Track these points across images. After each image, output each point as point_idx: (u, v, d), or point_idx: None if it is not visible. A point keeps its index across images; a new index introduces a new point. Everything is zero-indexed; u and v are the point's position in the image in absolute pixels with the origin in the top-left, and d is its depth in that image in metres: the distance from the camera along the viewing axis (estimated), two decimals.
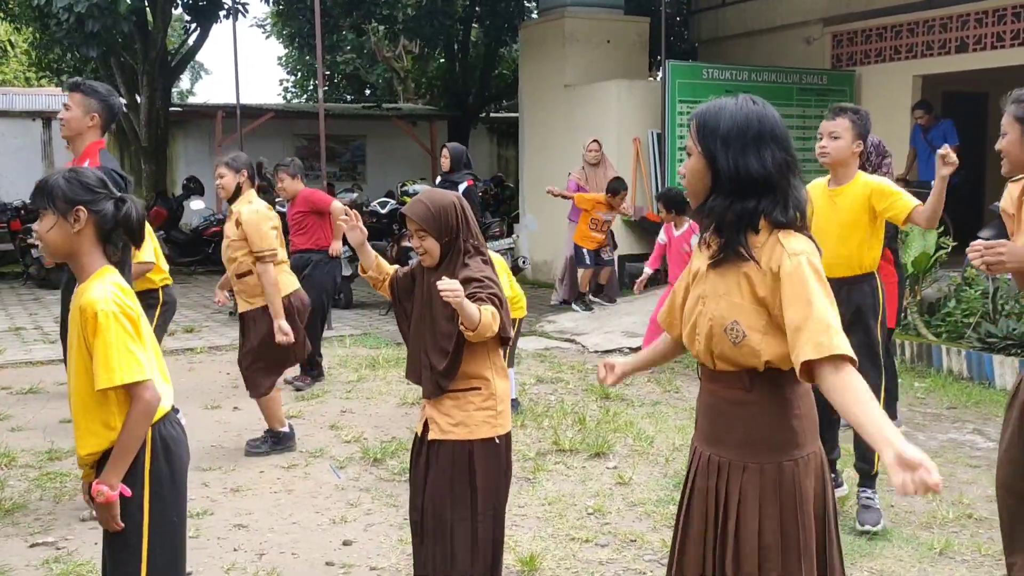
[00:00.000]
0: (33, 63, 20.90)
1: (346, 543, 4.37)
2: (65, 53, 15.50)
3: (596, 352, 8.73)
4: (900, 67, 12.30)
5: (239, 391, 7.29)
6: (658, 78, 14.99)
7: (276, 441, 5.74)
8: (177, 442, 2.76)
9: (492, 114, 22.10)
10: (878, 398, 4.46)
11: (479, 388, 3.30)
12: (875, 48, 12.69)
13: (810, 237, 2.32)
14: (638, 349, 8.71)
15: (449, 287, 2.97)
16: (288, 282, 5.79)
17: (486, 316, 3.10)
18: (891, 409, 6.10)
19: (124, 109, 4.76)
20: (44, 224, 2.62)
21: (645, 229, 12.16)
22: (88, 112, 4.69)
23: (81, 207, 2.60)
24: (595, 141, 10.95)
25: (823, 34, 13.16)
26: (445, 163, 8.86)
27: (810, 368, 2.16)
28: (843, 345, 2.13)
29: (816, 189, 4.41)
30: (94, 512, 2.79)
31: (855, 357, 2.14)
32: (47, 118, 17.72)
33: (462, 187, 8.36)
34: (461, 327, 3.13)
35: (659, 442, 5.82)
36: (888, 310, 4.84)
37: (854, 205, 4.35)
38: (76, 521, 4.61)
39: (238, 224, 5.60)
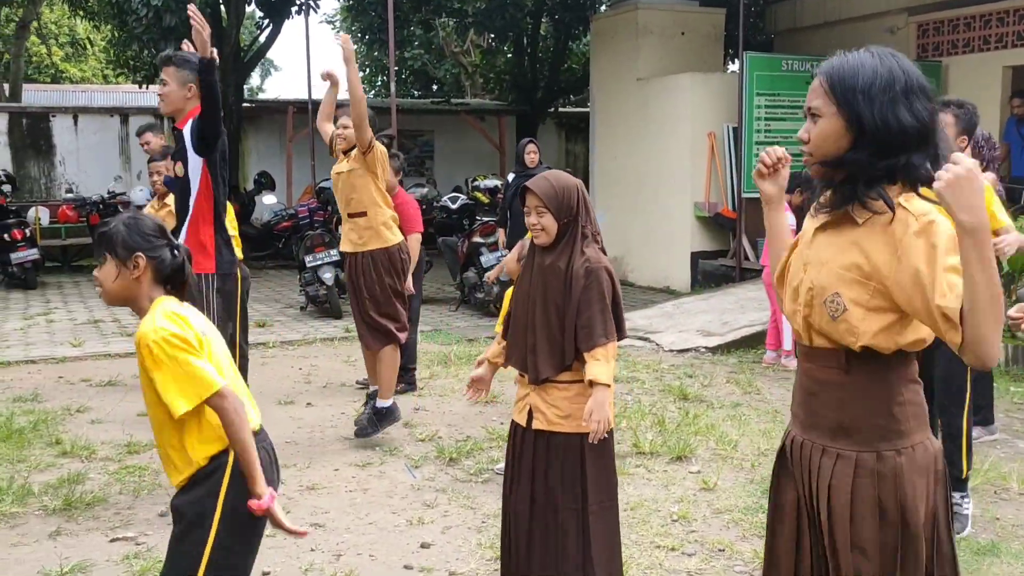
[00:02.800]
0: (111, 60, 21.36)
1: (424, 546, 4.27)
2: (142, 50, 15.73)
3: (671, 351, 8.53)
4: (988, 58, 11.83)
5: (312, 386, 7.29)
6: (729, 71, 14.69)
7: (380, 418, 5.71)
8: (263, 469, 2.62)
9: (561, 109, 21.91)
10: (963, 405, 4.33)
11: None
12: (962, 38, 12.23)
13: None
14: (715, 349, 8.50)
15: (596, 434, 3.14)
16: (397, 233, 5.83)
17: (605, 372, 3.17)
18: (989, 413, 5.84)
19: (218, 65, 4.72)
20: (105, 271, 2.64)
21: (721, 225, 11.91)
22: (184, 83, 4.65)
23: (140, 254, 2.60)
24: None
25: (907, 24, 12.73)
26: (535, 158, 8.77)
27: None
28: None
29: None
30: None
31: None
32: (125, 114, 18.04)
33: None
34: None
35: (743, 446, 5.62)
36: None
37: None
38: (155, 516, 4.60)
39: (358, 157, 5.60)
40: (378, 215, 5.70)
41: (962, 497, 4.36)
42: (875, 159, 2.07)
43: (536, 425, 3.29)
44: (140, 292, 2.63)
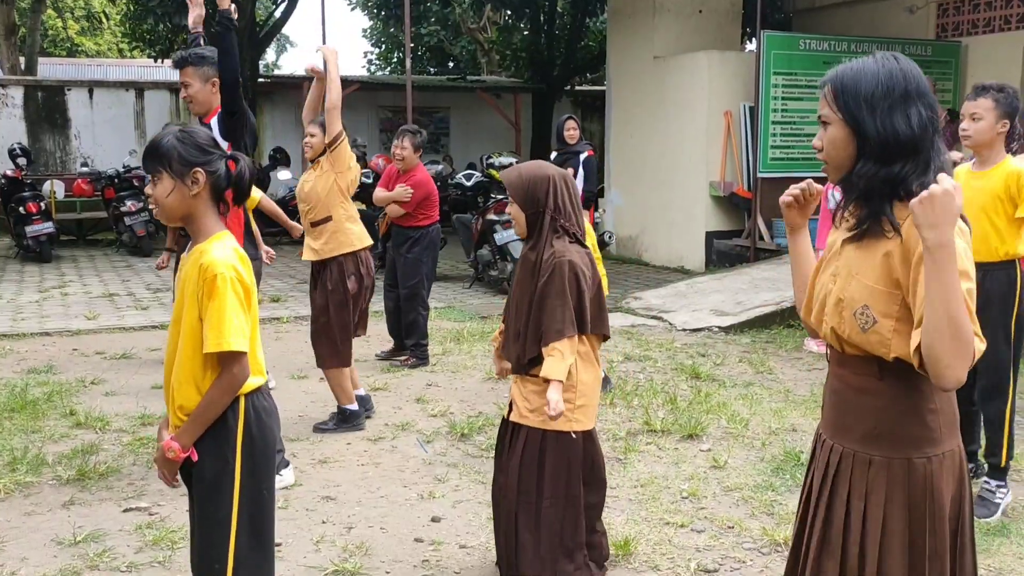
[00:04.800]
0: (126, 34, 21.36)
1: (435, 519, 4.29)
2: (158, 23, 15.76)
3: (684, 330, 8.52)
4: (1009, 38, 11.69)
5: None
6: (747, 50, 14.57)
7: (343, 419, 5.59)
8: (270, 414, 2.70)
9: (577, 87, 21.81)
10: (1006, 392, 4.27)
11: None
12: (983, 18, 12.09)
13: None
14: (728, 328, 8.48)
15: (553, 410, 3.12)
16: (362, 235, 5.64)
17: (558, 368, 3.16)
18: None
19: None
20: (161, 188, 2.54)
21: (736, 205, 11.85)
22: (207, 80, 4.62)
23: (199, 168, 2.53)
24: None
25: (927, 3, 12.58)
26: (575, 134, 8.61)
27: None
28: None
29: (959, 173, 4.16)
30: (155, 464, 2.73)
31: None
32: (140, 88, 18.06)
33: (583, 156, 8.39)
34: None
35: (754, 425, 5.62)
36: None
37: (995, 189, 4.12)
38: (168, 487, 4.62)
39: (326, 159, 5.51)
40: (343, 217, 5.52)
41: (998, 486, 4.33)
42: (878, 168, 2.08)
43: (512, 416, 3.35)
44: (199, 208, 2.56)
